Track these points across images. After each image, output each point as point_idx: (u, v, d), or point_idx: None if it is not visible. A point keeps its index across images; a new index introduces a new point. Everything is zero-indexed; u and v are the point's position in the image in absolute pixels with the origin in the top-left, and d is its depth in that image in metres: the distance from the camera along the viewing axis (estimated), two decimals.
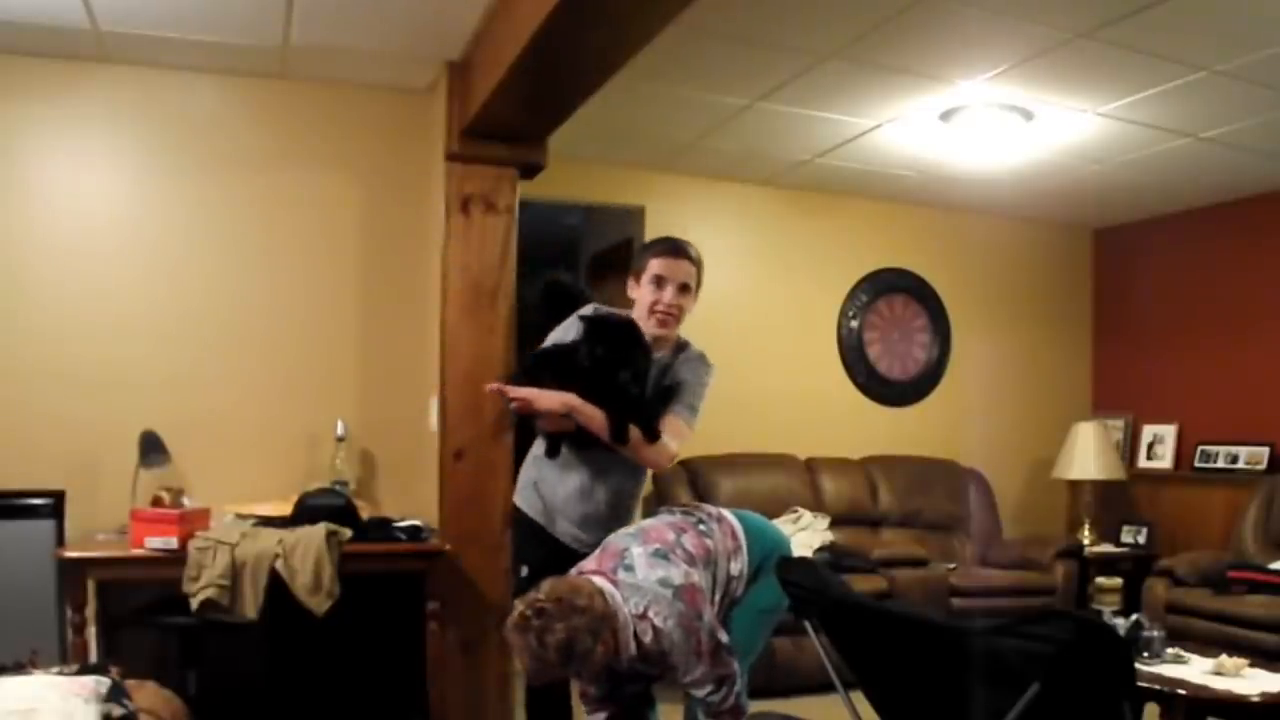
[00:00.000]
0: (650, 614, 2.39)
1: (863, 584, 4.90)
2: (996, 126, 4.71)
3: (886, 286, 6.35)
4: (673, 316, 2.92)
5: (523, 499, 3.04)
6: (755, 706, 3.38)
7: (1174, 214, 6.37)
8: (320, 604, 3.38)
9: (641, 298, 2.94)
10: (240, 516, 3.69)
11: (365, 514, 3.75)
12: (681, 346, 3.01)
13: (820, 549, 5.17)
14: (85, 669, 2.67)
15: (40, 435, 3.85)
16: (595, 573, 2.48)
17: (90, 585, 3.48)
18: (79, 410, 3.88)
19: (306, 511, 3.59)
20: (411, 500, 4.15)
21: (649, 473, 3.07)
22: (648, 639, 2.40)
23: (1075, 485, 6.37)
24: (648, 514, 2.99)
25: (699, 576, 2.53)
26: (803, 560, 2.78)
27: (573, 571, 2.53)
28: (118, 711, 2.41)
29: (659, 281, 2.91)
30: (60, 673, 2.59)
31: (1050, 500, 6.61)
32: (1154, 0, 3.46)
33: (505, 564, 3.82)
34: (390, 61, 4.06)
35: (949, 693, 2.21)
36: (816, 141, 5.17)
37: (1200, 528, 5.96)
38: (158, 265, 4.06)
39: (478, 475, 3.89)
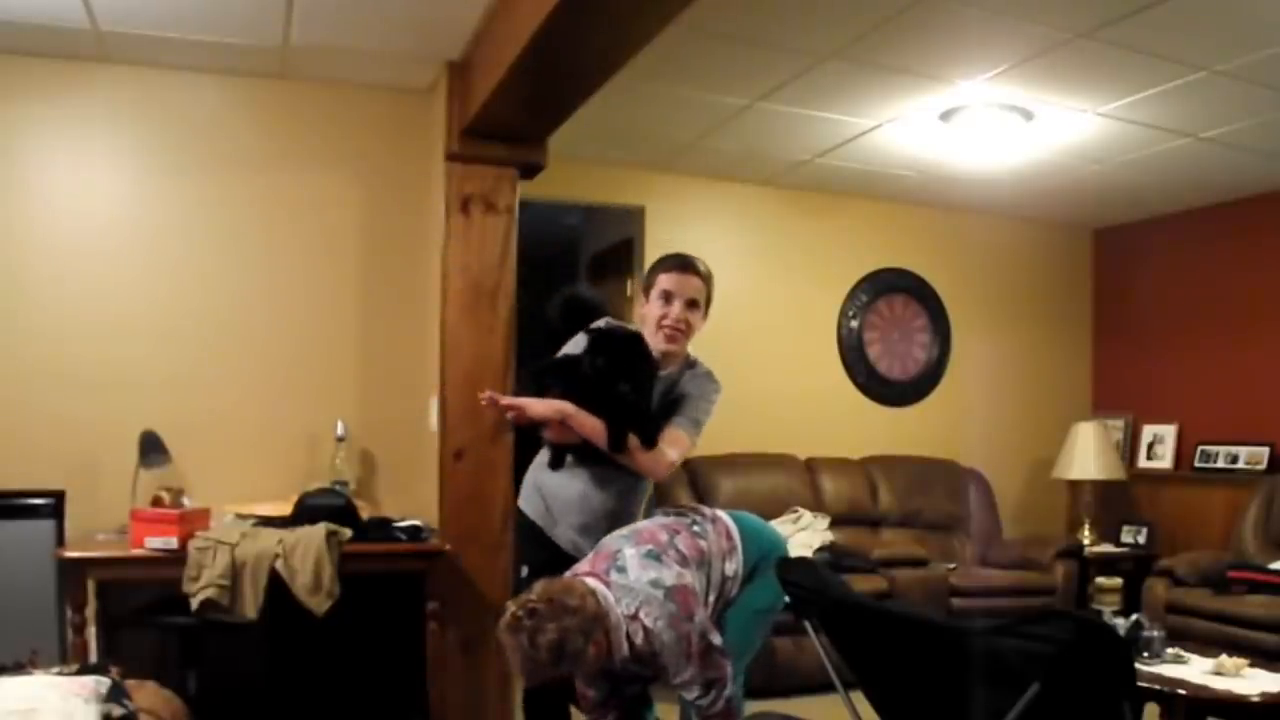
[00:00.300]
0: (641, 615, 2.39)
1: (863, 584, 4.90)
2: (996, 126, 4.71)
3: (886, 286, 6.35)
4: (680, 332, 2.92)
5: (525, 502, 3.05)
6: (755, 706, 3.39)
7: (1174, 214, 6.37)
8: (320, 604, 3.38)
9: (650, 313, 2.95)
10: (240, 516, 3.69)
11: (365, 514, 3.75)
12: (691, 364, 3.02)
13: (820, 549, 5.18)
14: (85, 669, 2.67)
15: (40, 435, 3.85)
16: (588, 574, 2.49)
17: (90, 585, 3.48)
18: (79, 410, 3.88)
19: (306, 511, 3.59)
20: (411, 500, 4.15)
21: (651, 484, 3.07)
22: (639, 640, 2.40)
23: (1075, 485, 6.37)
24: (647, 515, 3.00)
25: (692, 578, 2.54)
26: (803, 560, 2.79)
27: (567, 573, 2.54)
28: (118, 711, 2.41)
29: (667, 297, 2.92)
30: (60, 673, 2.59)
31: (1050, 500, 6.61)
32: (1154, 0, 3.47)
33: (505, 564, 3.83)
34: (390, 61, 4.06)
35: (949, 693, 2.21)
36: (816, 141, 5.17)
37: (1200, 528, 5.96)
38: (158, 265, 4.06)
39: (478, 475, 3.89)
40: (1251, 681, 3.14)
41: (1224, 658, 3.28)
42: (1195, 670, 3.23)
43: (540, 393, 2.89)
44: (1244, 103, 4.40)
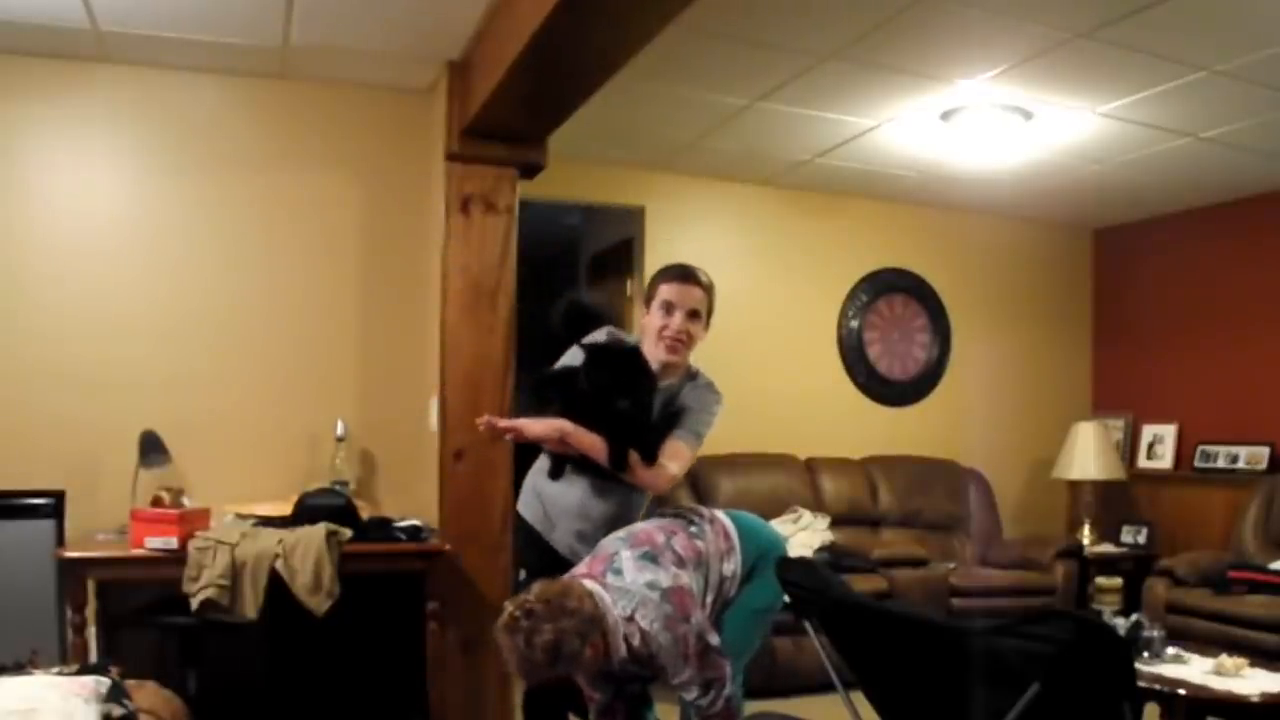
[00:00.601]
0: (637, 617, 2.40)
1: (863, 584, 4.90)
2: (996, 126, 4.70)
3: (886, 286, 6.35)
4: (681, 343, 2.91)
5: (524, 506, 3.05)
6: (755, 706, 3.39)
7: (1174, 214, 6.37)
8: (320, 604, 3.38)
9: (650, 323, 2.94)
10: (240, 516, 3.69)
11: (365, 514, 3.75)
12: (692, 375, 3.00)
13: (820, 549, 5.18)
14: (85, 669, 2.67)
15: (40, 435, 3.85)
16: (586, 576, 2.49)
17: (90, 585, 3.48)
18: (79, 410, 3.88)
19: (306, 511, 3.59)
20: (411, 500, 4.15)
21: (648, 493, 3.08)
22: (636, 642, 2.41)
23: (1075, 485, 6.37)
24: (646, 516, 3.00)
25: (688, 579, 2.54)
26: (803, 560, 2.79)
27: (565, 575, 2.54)
28: (118, 711, 2.40)
29: (668, 307, 2.91)
30: (60, 673, 2.59)
31: (1050, 500, 6.61)
32: (1154, 0, 3.47)
33: (505, 564, 3.84)
34: (390, 61, 4.06)
35: (949, 693, 2.21)
36: (816, 141, 5.17)
37: (1200, 528, 5.96)
38: (157, 265, 4.06)
39: (478, 475, 3.89)
40: (1251, 681, 3.14)
41: (1224, 658, 3.28)
42: (1195, 670, 3.23)
43: (540, 406, 2.88)
44: (1244, 103, 4.40)
